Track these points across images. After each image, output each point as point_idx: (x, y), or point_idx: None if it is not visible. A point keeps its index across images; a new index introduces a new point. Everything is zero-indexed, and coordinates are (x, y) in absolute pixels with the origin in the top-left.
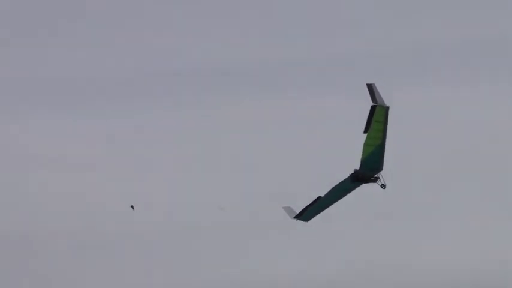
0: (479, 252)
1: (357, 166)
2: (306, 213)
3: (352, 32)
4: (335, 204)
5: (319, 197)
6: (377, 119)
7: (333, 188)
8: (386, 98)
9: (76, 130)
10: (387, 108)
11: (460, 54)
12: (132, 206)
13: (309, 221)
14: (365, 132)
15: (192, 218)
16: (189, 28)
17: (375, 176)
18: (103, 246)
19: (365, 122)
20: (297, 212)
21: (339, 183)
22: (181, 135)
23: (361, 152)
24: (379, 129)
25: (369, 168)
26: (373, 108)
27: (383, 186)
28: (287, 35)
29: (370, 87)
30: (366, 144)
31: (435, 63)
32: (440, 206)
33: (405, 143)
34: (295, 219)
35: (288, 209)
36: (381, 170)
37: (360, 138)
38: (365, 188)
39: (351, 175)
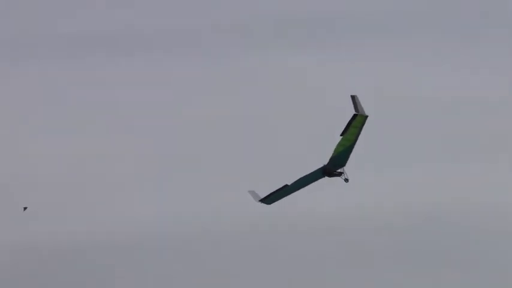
0: None
1: (325, 160)
2: (270, 198)
3: None
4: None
5: (286, 185)
6: (355, 125)
7: (301, 178)
8: None
9: None
10: (366, 117)
11: None
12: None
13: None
14: (341, 135)
15: None
16: None
17: (339, 171)
18: None
19: (344, 126)
20: (262, 196)
21: (309, 174)
22: None
23: (332, 150)
24: (354, 133)
25: (336, 165)
26: (354, 116)
27: (346, 180)
28: None
29: (353, 99)
30: (339, 144)
31: None
32: None
33: None
34: (259, 202)
35: (253, 193)
36: (344, 166)
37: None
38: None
39: (322, 169)
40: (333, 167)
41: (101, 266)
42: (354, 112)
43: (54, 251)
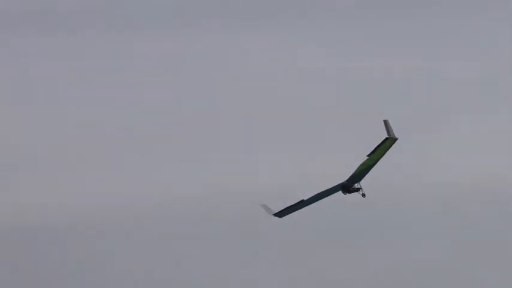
0: None
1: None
2: (285, 212)
3: None
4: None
5: (302, 201)
6: (384, 147)
7: (318, 194)
8: None
9: None
10: (396, 139)
11: None
12: None
13: None
14: (369, 155)
15: None
16: None
17: (357, 186)
18: None
19: (373, 147)
20: (274, 210)
21: (326, 190)
22: None
23: (354, 168)
24: (380, 154)
25: (354, 181)
26: (385, 140)
27: (363, 195)
28: None
29: (385, 123)
30: (362, 163)
31: None
32: None
33: None
34: (273, 216)
35: (265, 207)
36: (360, 181)
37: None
38: None
39: (342, 185)
40: (351, 183)
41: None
42: (386, 136)
43: None
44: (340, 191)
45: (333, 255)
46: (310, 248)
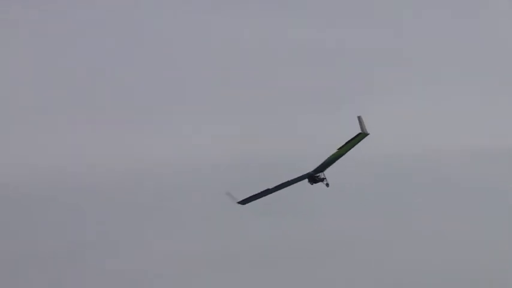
0: None
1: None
2: (249, 199)
3: None
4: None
5: (267, 189)
6: (355, 141)
7: (283, 183)
8: None
9: None
10: (367, 134)
11: None
12: None
13: None
14: (339, 149)
15: None
16: None
17: (322, 176)
18: None
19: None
20: (239, 197)
21: (292, 180)
22: None
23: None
24: (350, 147)
25: (319, 170)
26: (358, 135)
27: (327, 185)
28: None
29: (359, 119)
30: (332, 155)
31: None
32: None
33: None
34: (238, 204)
35: (230, 195)
36: (324, 171)
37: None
38: None
39: (309, 177)
40: (315, 173)
41: None
42: (359, 131)
43: None
44: (306, 181)
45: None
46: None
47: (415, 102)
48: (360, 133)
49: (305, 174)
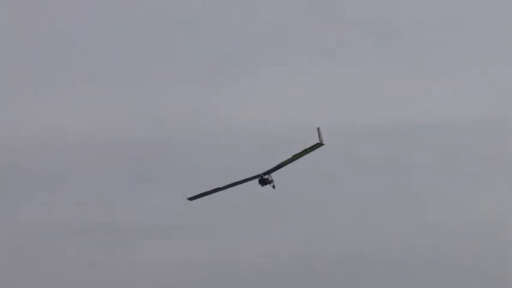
0: None
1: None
2: (199, 196)
3: None
4: None
5: (218, 188)
6: (310, 150)
7: (234, 182)
8: None
9: None
10: (323, 144)
11: None
12: None
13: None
14: (294, 155)
15: None
16: None
17: (270, 179)
18: None
19: (299, 150)
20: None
21: (243, 180)
22: None
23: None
24: (304, 154)
25: (269, 173)
26: (315, 145)
27: (274, 187)
28: None
29: (318, 130)
30: (285, 160)
31: None
32: None
33: None
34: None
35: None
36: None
37: None
38: None
39: (260, 179)
40: (265, 174)
41: None
42: (317, 141)
43: None
44: (256, 181)
45: None
46: None
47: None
48: (317, 143)
49: (255, 176)
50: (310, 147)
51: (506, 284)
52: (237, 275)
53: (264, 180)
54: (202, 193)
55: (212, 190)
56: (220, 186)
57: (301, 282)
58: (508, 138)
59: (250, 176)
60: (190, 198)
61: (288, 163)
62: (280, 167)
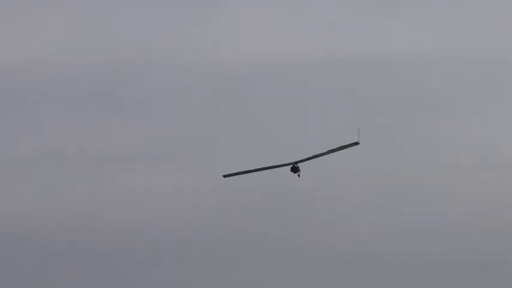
0: None
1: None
2: (233, 174)
3: None
4: None
5: (252, 169)
6: (345, 147)
7: (267, 166)
8: None
9: None
10: (358, 144)
11: None
12: None
13: None
14: (330, 150)
15: None
16: None
17: (299, 168)
18: None
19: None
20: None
21: (278, 165)
22: None
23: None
24: (338, 150)
25: (302, 161)
26: (353, 143)
27: (299, 175)
28: None
29: (358, 130)
30: (320, 153)
31: None
32: None
33: None
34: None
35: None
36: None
37: None
38: None
39: (292, 167)
40: (296, 163)
41: None
42: (356, 140)
43: None
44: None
45: None
46: None
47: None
48: (355, 142)
49: (290, 163)
50: (346, 145)
51: None
52: None
53: (295, 168)
54: (237, 172)
55: (246, 171)
56: (255, 168)
57: None
58: (472, 72)
59: (285, 163)
60: (225, 176)
61: (321, 155)
62: (311, 159)
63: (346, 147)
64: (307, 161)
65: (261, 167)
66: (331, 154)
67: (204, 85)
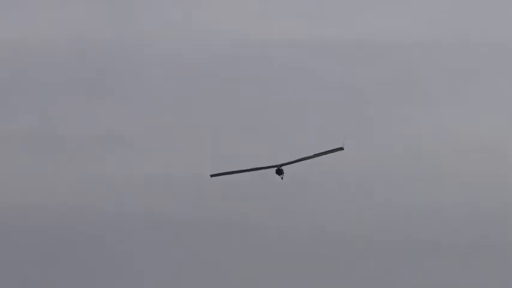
0: None
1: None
2: (220, 174)
3: None
4: None
5: (239, 170)
6: (331, 151)
7: (253, 168)
8: None
9: None
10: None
11: None
12: None
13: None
14: (315, 154)
15: None
16: None
17: (283, 171)
18: None
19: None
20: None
21: (264, 167)
22: None
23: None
24: (323, 154)
25: (287, 164)
26: (338, 148)
27: (282, 178)
28: None
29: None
30: (305, 156)
31: None
32: None
33: None
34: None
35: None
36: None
37: None
38: None
39: (277, 169)
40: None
41: None
42: (341, 145)
43: None
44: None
45: None
46: None
47: None
48: (340, 147)
49: (275, 166)
50: (332, 150)
51: None
52: None
53: (280, 170)
54: (224, 172)
55: (233, 171)
56: (242, 168)
57: None
58: (454, 58)
59: (270, 165)
60: (212, 175)
61: (307, 159)
62: (295, 162)
63: (331, 152)
64: (293, 164)
65: (248, 168)
66: (316, 158)
67: (191, 82)
